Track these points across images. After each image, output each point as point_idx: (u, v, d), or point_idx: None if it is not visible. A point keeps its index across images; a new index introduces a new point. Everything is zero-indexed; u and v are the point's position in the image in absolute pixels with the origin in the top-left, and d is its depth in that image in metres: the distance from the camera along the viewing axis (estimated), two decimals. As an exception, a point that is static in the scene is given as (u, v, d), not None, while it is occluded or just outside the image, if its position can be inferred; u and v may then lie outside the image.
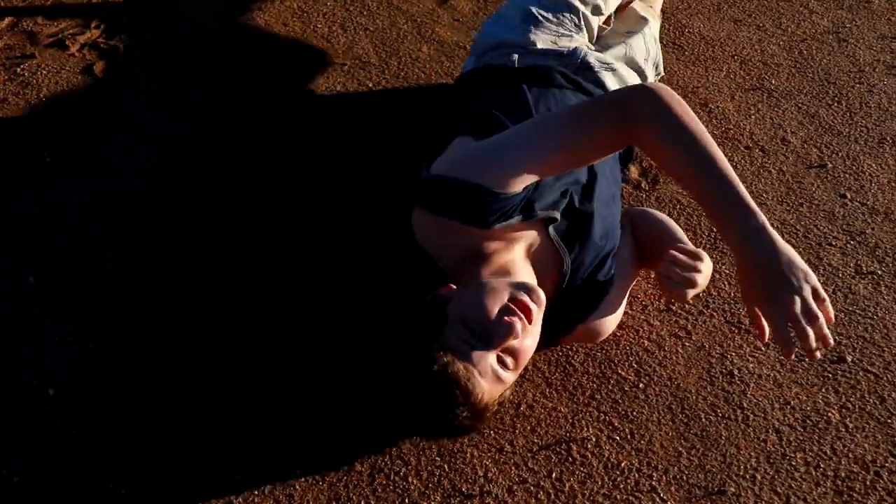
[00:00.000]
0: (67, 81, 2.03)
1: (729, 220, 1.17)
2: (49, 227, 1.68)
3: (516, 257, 1.34)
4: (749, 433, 1.41)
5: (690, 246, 1.43)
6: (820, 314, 1.11)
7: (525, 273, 1.34)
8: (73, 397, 1.41)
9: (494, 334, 1.21)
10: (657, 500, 1.31)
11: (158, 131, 1.91)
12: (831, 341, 1.13)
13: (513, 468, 1.35)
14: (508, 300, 1.23)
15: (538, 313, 1.26)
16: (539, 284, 1.32)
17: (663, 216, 1.62)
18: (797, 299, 1.11)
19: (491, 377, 1.22)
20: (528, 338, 1.26)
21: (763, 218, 1.16)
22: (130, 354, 1.47)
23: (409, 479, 1.32)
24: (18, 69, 2.05)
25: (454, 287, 1.31)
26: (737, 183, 1.18)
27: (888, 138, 2.01)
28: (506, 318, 1.21)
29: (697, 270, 1.35)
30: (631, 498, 1.32)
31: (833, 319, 1.14)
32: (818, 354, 1.13)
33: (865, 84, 2.19)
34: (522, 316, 1.23)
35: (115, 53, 2.12)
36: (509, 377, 1.26)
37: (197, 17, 2.26)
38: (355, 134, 1.94)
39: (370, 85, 2.09)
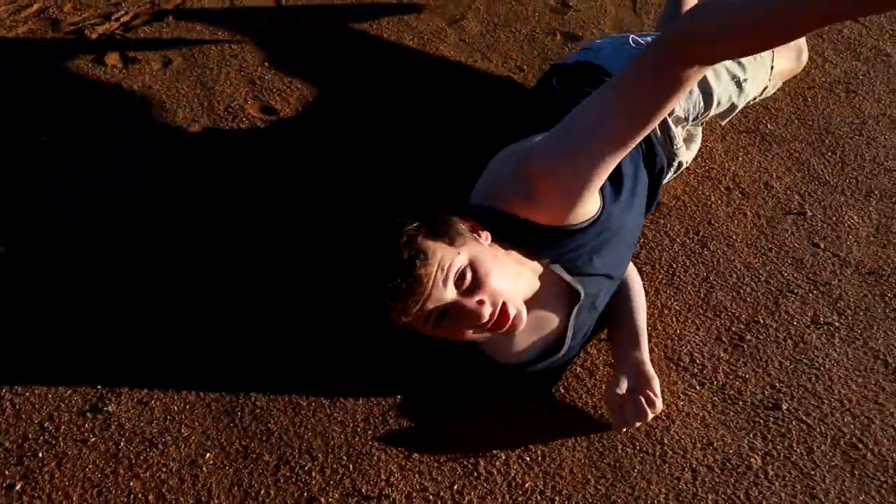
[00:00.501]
0: (79, 69, 2.14)
1: None
2: (48, 225, 1.77)
3: (527, 265, 1.39)
4: (664, 469, 1.39)
5: (654, 395, 1.39)
6: None
7: (528, 285, 1.38)
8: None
9: (465, 303, 1.26)
10: (555, 524, 1.31)
11: (161, 130, 2.00)
12: None
13: (416, 476, 1.36)
14: (503, 298, 1.28)
15: (503, 331, 1.30)
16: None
17: (636, 288, 1.62)
18: None
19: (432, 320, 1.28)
20: (476, 333, 1.31)
21: None
22: (129, 354, 1.55)
23: (312, 475, 1.35)
24: (36, 54, 2.17)
25: (488, 235, 1.35)
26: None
27: (876, 192, 1.96)
28: (485, 306, 1.26)
29: (646, 418, 1.38)
30: (529, 519, 1.32)
31: None
32: None
33: (865, 136, 2.14)
34: (496, 318, 1.27)
35: (128, 45, 2.22)
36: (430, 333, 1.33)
37: (213, 16, 2.36)
38: (352, 136, 2.00)
39: (365, 93, 2.14)
